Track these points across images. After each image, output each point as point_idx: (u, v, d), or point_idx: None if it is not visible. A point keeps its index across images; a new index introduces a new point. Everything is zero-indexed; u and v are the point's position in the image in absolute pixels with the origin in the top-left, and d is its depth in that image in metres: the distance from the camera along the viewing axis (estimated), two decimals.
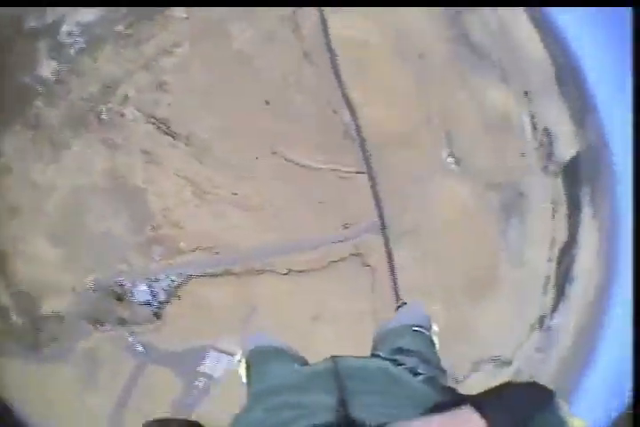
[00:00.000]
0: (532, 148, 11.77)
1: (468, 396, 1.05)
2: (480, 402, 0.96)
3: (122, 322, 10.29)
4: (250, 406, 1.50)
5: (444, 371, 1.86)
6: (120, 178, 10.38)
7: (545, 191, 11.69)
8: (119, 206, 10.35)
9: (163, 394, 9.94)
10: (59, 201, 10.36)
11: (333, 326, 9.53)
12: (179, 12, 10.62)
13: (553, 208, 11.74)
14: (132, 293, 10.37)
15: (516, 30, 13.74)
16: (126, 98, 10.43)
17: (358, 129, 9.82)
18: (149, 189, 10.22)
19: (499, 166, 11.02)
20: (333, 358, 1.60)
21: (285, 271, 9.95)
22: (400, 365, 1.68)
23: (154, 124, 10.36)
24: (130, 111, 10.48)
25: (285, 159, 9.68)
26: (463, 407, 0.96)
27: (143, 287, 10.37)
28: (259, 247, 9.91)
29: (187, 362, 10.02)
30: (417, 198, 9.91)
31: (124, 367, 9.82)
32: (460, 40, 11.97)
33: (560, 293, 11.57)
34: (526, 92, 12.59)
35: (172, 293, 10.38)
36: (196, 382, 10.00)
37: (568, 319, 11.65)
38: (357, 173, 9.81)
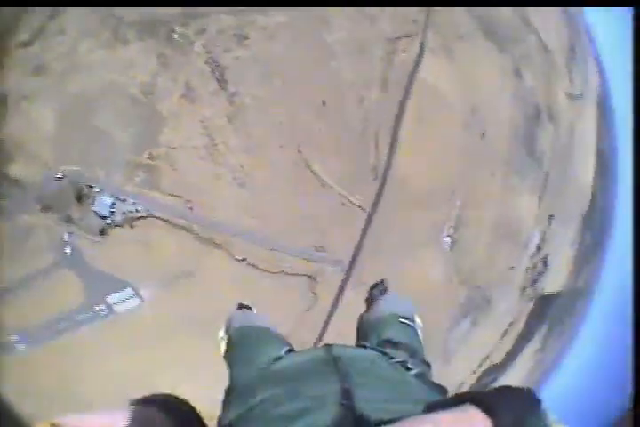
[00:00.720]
0: (524, 266, 11.76)
1: (468, 394, 1.02)
2: (484, 401, 0.95)
3: (68, 220, 10.06)
4: (243, 394, 1.40)
5: (429, 365, 1.82)
6: (152, 96, 10.17)
7: (510, 310, 11.65)
8: (135, 121, 10.14)
9: (59, 300, 9.65)
10: (87, 84, 10.14)
11: None
12: None
13: (507, 328, 11.69)
14: (94, 200, 10.15)
15: (579, 159, 13.88)
16: (204, 31, 10.26)
17: (387, 169, 9.71)
18: (170, 121, 10.02)
19: (484, 267, 10.98)
20: (327, 346, 1.53)
21: (240, 258, 9.72)
22: (391, 358, 1.64)
23: (212, 67, 10.18)
24: (199, 44, 10.31)
25: (305, 162, 9.52)
26: (466, 406, 0.95)
27: (108, 201, 10.17)
28: (230, 225, 9.69)
29: (100, 286, 9.72)
30: (396, 258, 9.78)
31: (43, 258, 9.57)
32: (526, 142, 12.03)
33: None
34: (551, 216, 12.67)
35: (129, 220, 10.15)
36: (96, 307, 9.71)
37: None
38: (360, 207, 9.67)
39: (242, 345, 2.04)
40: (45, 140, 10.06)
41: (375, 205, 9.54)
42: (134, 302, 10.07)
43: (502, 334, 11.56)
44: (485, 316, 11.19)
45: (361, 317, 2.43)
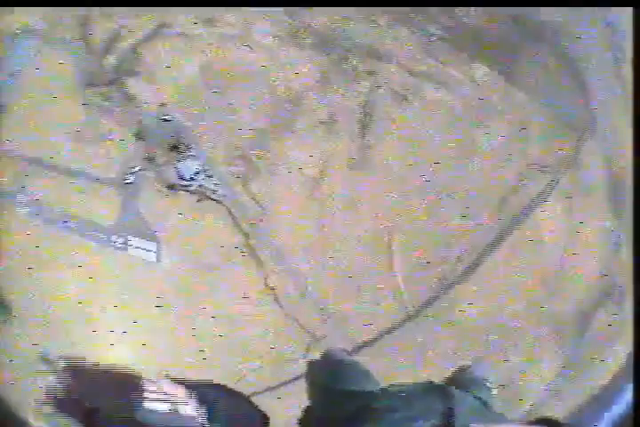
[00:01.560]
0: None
1: (541, 419, 1.28)
2: (553, 422, 1.21)
3: (149, 158, 10.17)
4: (347, 400, 1.85)
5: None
6: (294, 107, 10.34)
7: None
8: (264, 118, 10.31)
9: (88, 209, 9.81)
10: (242, 60, 10.39)
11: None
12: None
13: None
14: (183, 159, 10.31)
15: (616, 346, 13.23)
16: (374, 73, 10.33)
17: (453, 284, 9.50)
18: (295, 135, 10.18)
19: None
20: (430, 381, 1.99)
21: (270, 286, 9.70)
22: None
23: (363, 111, 10.25)
24: (365, 84, 10.38)
25: (388, 240, 9.43)
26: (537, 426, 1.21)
27: (194, 168, 10.31)
28: (283, 255, 9.67)
29: (133, 225, 9.88)
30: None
31: (101, 168, 9.84)
32: (582, 320, 11.55)
33: None
34: (557, 391, 12.05)
35: (201, 195, 10.29)
36: (114, 237, 9.91)
37: None
38: (404, 307, 9.46)
39: (348, 372, 2.49)
40: (175, 80, 10.27)
41: (417, 313, 9.35)
42: (150, 256, 10.14)
43: None
44: None
45: (452, 375, 3.07)
